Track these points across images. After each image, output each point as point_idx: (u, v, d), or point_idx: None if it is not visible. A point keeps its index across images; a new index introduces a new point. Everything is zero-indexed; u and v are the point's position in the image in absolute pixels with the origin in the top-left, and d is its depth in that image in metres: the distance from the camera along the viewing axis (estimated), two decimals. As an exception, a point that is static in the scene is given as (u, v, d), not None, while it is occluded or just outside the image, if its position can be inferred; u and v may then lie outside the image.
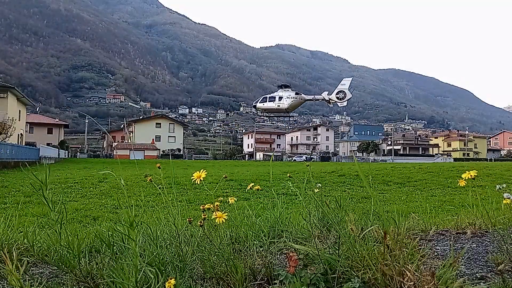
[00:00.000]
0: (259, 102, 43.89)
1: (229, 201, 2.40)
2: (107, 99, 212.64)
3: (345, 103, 40.94)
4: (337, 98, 40.38)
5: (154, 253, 1.74)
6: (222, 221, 1.94)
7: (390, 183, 15.92)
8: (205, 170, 2.04)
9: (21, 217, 6.07)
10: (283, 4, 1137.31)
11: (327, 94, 42.19)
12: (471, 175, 2.09)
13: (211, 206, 2.11)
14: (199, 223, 1.98)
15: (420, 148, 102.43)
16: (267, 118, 49.19)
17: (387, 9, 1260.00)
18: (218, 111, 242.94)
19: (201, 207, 2.05)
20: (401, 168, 21.48)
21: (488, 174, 17.61)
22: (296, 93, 43.07)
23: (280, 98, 42.31)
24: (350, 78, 43.65)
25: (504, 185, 2.36)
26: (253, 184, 2.62)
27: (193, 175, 2.03)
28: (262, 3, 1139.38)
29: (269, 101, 42.87)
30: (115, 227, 1.95)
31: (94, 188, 13.49)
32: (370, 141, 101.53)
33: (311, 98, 44.94)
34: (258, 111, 44.37)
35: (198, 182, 1.99)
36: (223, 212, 1.98)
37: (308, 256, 1.80)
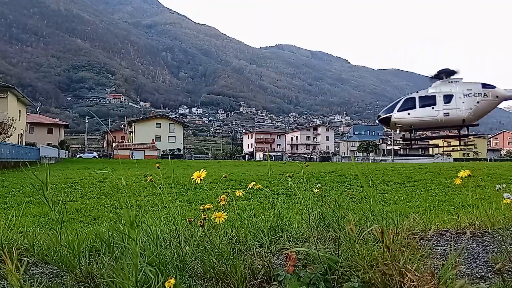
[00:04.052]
0: (397, 111, 20.56)
1: (233, 196, 2.44)
2: (107, 99, 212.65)
3: None
4: None
5: (154, 253, 1.74)
6: (222, 220, 1.94)
7: (390, 183, 15.92)
8: (205, 170, 2.04)
9: (21, 217, 6.06)
10: (283, 4, 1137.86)
11: None
12: (466, 174, 2.11)
13: (211, 206, 2.12)
14: (199, 223, 1.99)
15: (420, 148, 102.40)
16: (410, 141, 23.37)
17: (387, 9, 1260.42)
18: (218, 111, 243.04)
19: (201, 207, 2.06)
20: (401, 168, 21.48)
21: (488, 174, 17.62)
22: (484, 86, 20.36)
23: (448, 97, 20.13)
24: None
25: (504, 185, 2.36)
26: (253, 183, 2.63)
27: (193, 174, 2.03)
28: (262, 3, 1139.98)
29: (421, 107, 20.44)
30: (115, 227, 1.95)
31: (94, 188, 13.48)
32: (370, 141, 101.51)
33: None
34: (397, 128, 21.06)
35: (199, 182, 2.00)
36: (222, 212, 1.98)
37: (307, 256, 1.80)
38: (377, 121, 22.42)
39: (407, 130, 20.83)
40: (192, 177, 2.04)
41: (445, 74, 20.13)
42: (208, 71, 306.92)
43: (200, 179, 2.01)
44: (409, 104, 20.08)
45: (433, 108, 19.70)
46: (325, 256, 1.68)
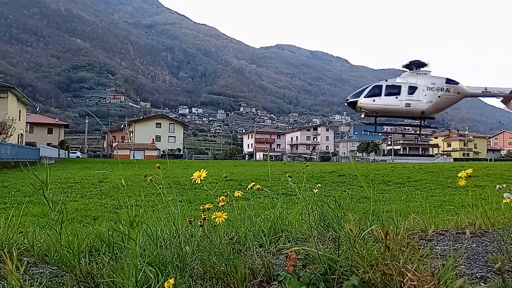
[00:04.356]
0: (364, 96, 21.68)
1: (233, 196, 2.44)
2: (107, 99, 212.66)
3: None
4: None
5: (154, 253, 1.74)
6: (222, 220, 1.94)
7: (390, 183, 15.93)
8: (205, 170, 2.04)
9: (21, 217, 6.07)
10: (283, 4, 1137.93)
11: None
12: (467, 173, 2.11)
13: (211, 206, 2.12)
14: (199, 223, 1.99)
15: (420, 148, 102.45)
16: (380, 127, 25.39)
17: (387, 9, 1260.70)
18: (218, 111, 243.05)
19: (201, 207, 2.06)
20: (401, 168, 21.48)
21: (488, 174, 17.62)
22: (448, 81, 21.14)
23: (413, 88, 20.97)
24: None
25: (504, 185, 2.36)
26: (253, 183, 2.63)
27: (194, 174, 2.03)
28: (262, 3, 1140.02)
29: (386, 95, 21.43)
30: (115, 227, 1.95)
31: (94, 188, 13.49)
32: (370, 141, 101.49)
33: (480, 92, 21.51)
34: (362, 112, 22.38)
35: (199, 182, 1.99)
36: (222, 212, 1.98)
37: (307, 256, 1.80)
38: (345, 104, 23.51)
39: (370, 116, 21.90)
40: (192, 177, 2.04)
41: (415, 65, 21.13)
42: (208, 71, 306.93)
43: (201, 179, 2.00)
44: (375, 91, 21.05)
45: (396, 97, 20.63)
46: (325, 256, 1.68)
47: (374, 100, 21.09)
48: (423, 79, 20.87)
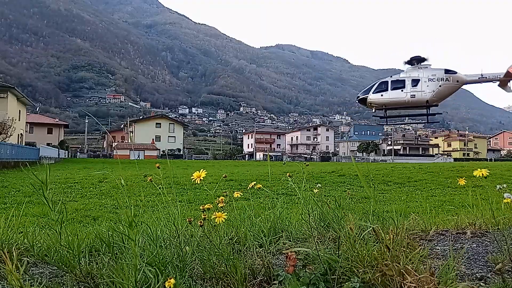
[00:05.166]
0: (373, 92, 23.47)
1: (233, 196, 2.44)
2: (107, 99, 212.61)
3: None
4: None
5: (154, 253, 1.74)
6: (222, 221, 1.94)
7: (390, 183, 15.92)
8: (205, 170, 2.04)
9: (21, 217, 6.06)
10: (283, 4, 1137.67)
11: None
12: (482, 174, 2.11)
13: (211, 206, 2.11)
14: (199, 223, 1.98)
15: (420, 148, 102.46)
16: (396, 120, 28.13)
17: (387, 9, 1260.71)
18: (218, 111, 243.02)
19: (201, 207, 2.05)
20: (401, 168, 21.47)
21: (488, 174, 17.59)
22: (447, 71, 22.58)
23: (416, 81, 22.56)
24: None
25: (505, 185, 2.36)
26: (254, 183, 2.63)
27: (193, 175, 2.03)
28: (262, 3, 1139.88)
29: (392, 89, 23.05)
30: (115, 227, 1.95)
31: (94, 188, 13.49)
32: (370, 141, 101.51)
33: (477, 78, 22.40)
34: (373, 107, 24.01)
35: (198, 182, 1.99)
36: (222, 212, 1.98)
37: (307, 256, 1.80)
38: (356, 102, 25.96)
39: (380, 109, 24.13)
40: (192, 177, 2.04)
41: (416, 60, 23.38)
42: (208, 71, 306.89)
43: (200, 179, 2.00)
44: (382, 87, 23.45)
45: (402, 90, 22.97)
46: (325, 256, 1.68)
47: (382, 95, 23.40)
48: (424, 72, 22.89)
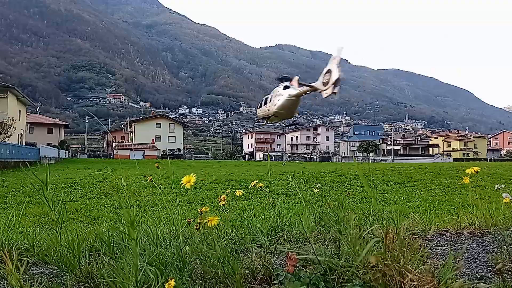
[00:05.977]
0: (258, 107, 27.22)
1: (235, 196, 2.42)
2: (107, 99, 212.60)
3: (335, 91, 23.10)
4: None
5: (154, 253, 1.74)
6: (214, 224, 1.85)
7: (390, 183, 15.92)
8: (195, 175, 1.93)
9: (21, 217, 6.06)
10: (283, 4, 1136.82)
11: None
12: (474, 170, 2.11)
13: (207, 209, 2.09)
14: (195, 227, 1.94)
15: (420, 148, 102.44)
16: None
17: (387, 9, 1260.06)
18: (218, 111, 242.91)
19: (199, 210, 2.02)
20: (401, 168, 21.47)
21: (488, 174, 17.61)
22: (285, 87, 23.69)
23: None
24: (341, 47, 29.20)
25: (503, 185, 2.36)
26: (256, 181, 2.63)
27: (182, 179, 1.87)
28: (262, 3, 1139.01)
29: (264, 105, 26.09)
30: (115, 227, 1.95)
31: (94, 188, 13.49)
32: (370, 141, 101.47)
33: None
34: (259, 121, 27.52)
35: (189, 187, 1.86)
36: (222, 212, 1.97)
37: (308, 257, 1.80)
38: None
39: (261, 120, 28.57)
40: (181, 183, 1.88)
41: (282, 79, 26.13)
42: (208, 71, 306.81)
43: (191, 185, 1.85)
44: (262, 103, 26.96)
45: (266, 105, 26.03)
46: (325, 257, 1.68)
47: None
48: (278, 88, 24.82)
